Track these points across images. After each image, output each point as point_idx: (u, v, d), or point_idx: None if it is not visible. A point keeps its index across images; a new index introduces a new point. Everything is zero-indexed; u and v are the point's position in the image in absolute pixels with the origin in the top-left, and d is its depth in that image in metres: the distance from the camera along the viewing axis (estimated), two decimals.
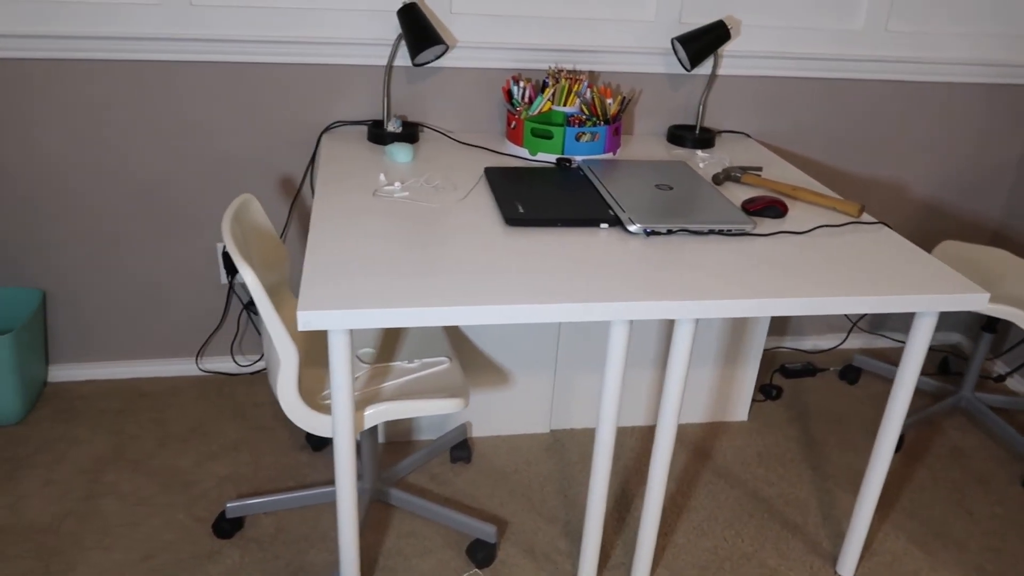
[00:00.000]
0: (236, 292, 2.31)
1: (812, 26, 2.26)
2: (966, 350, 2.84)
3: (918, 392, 2.59)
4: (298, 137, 2.15)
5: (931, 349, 2.85)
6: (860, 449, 2.29)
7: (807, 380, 2.61)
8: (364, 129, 2.16)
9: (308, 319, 1.26)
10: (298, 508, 1.92)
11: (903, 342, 2.85)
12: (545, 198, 1.73)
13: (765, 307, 1.40)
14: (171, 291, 2.28)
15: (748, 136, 2.37)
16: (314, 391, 1.61)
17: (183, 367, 2.37)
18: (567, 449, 2.21)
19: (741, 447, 2.27)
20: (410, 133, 2.07)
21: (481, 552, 1.80)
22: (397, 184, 1.78)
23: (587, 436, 2.26)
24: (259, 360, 2.41)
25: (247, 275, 1.37)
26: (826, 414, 2.44)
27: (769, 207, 1.76)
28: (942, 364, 2.74)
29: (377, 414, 1.53)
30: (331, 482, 2.00)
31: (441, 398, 1.57)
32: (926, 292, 1.46)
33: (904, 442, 2.34)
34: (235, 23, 2.00)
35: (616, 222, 1.65)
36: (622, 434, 2.29)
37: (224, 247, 2.24)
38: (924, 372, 2.69)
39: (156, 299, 2.28)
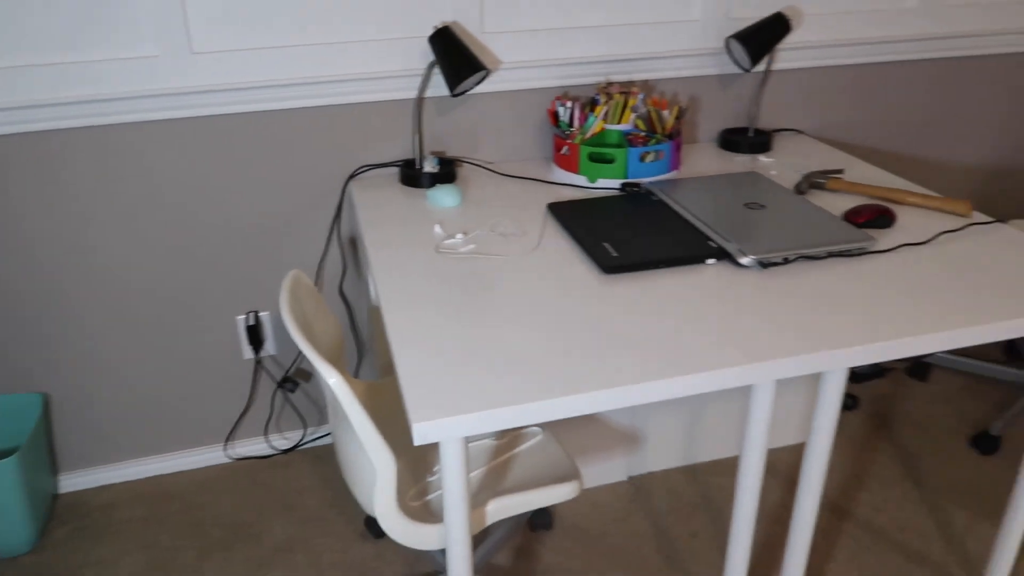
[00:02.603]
0: (265, 368, 2.05)
1: (861, 8, 2.08)
2: None
3: (994, 384, 2.44)
4: (321, 189, 1.90)
5: None
6: (954, 455, 2.13)
7: (879, 383, 2.45)
8: (395, 172, 1.92)
9: (425, 432, 1.03)
10: None
11: None
12: (632, 234, 1.51)
13: (918, 345, 1.21)
14: (189, 374, 2.01)
15: (802, 133, 2.19)
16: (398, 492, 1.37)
17: (209, 456, 2.10)
18: (652, 498, 2.00)
19: (835, 468, 2.09)
20: (448, 171, 1.83)
21: None
22: (459, 236, 1.55)
23: (669, 480, 2.06)
24: (303, 439, 2.16)
25: (332, 378, 1.13)
26: (908, 420, 2.27)
27: (878, 217, 1.57)
28: (1009, 348, 2.60)
29: (491, 513, 1.30)
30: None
31: (555, 484, 1.35)
32: None
33: (1001, 443, 2.19)
34: (242, 68, 1.74)
35: (723, 255, 1.44)
36: (707, 470, 2.09)
37: (248, 319, 1.98)
38: (992, 359, 2.55)
39: (173, 385, 2.01)
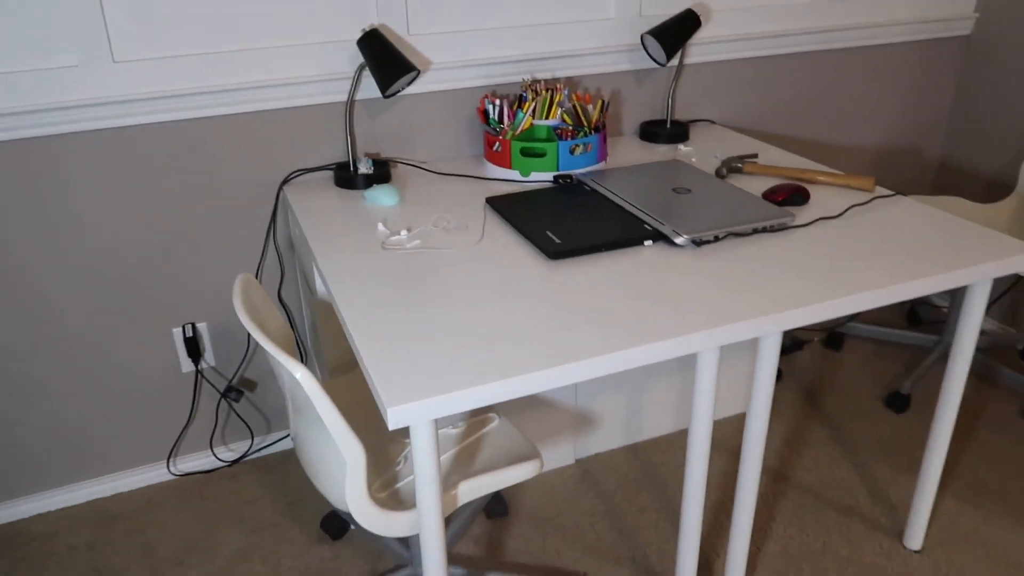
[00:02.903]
0: (206, 379, 2.02)
1: (761, 4, 2.22)
2: (937, 299, 2.93)
3: (901, 348, 2.64)
4: (253, 195, 1.89)
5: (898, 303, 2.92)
6: (873, 415, 2.30)
7: (798, 355, 2.60)
8: (329, 175, 1.93)
9: (399, 416, 1.06)
10: None
11: None
12: (572, 221, 1.58)
13: (847, 305, 1.32)
14: (124, 392, 1.96)
15: (714, 123, 2.31)
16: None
17: (152, 474, 2.05)
18: (600, 478, 2.07)
19: (769, 436, 2.20)
20: (383, 172, 1.86)
21: None
22: (404, 233, 1.58)
23: (614, 459, 2.14)
24: (250, 449, 2.13)
25: (298, 371, 1.15)
26: (828, 386, 2.43)
27: (793, 195, 1.69)
28: (911, 315, 2.81)
29: (463, 494, 1.34)
30: (370, 574, 1.78)
31: (519, 463, 1.40)
32: (985, 260, 1.43)
33: (911, 401, 2.37)
34: (166, 76, 1.72)
35: (659, 236, 1.53)
36: (649, 447, 2.18)
37: (184, 331, 1.94)
38: (895, 325, 2.75)
39: (107, 405, 1.95)
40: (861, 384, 2.45)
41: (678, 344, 1.21)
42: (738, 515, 1.56)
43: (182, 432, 2.05)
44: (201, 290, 1.94)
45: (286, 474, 2.09)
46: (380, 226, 1.62)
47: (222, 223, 1.89)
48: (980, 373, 2.48)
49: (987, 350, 2.61)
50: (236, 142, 1.83)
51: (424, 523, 1.20)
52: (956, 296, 2.41)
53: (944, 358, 2.56)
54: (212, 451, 2.10)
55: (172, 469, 2.07)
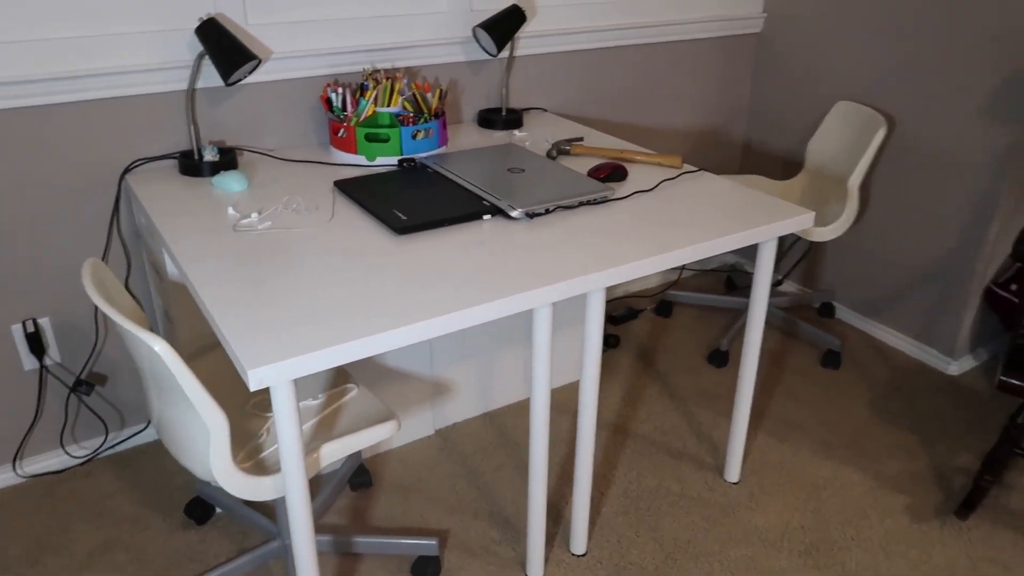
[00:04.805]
0: (53, 374, 1.97)
1: (578, 1, 2.43)
2: (748, 267, 3.28)
3: (720, 312, 2.95)
4: (93, 185, 1.87)
5: (715, 271, 3.25)
6: (698, 369, 2.58)
7: (633, 323, 2.86)
8: (173, 163, 1.94)
9: (260, 377, 1.14)
10: None
11: (700, 271, 3.22)
12: (417, 200, 1.70)
13: (660, 262, 1.52)
14: None
15: (546, 111, 2.50)
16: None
17: None
18: (458, 444, 2.21)
19: (605, 397, 2.43)
20: (229, 159, 1.90)
21: (428, 567, 1.76)
22: (254, 215, 1.64)
23: (471, 426, 2.28)
24: (103, 444, 2.08)
25: (154, 343, 1.20)
26: (660, 348, 2.69)
27: (614, 172, 1.89)
28: (728, 282, 3.14)
29: (323, 457, 1.42)
30: (240, 554, 1.82)
31: (376, 425, 1.50)
32: (770, 222, 1.68)
33: (729, 356, 2.67)
34: None
35: (496, 211, 1.67)
36: (503, 414, 2.34)
37: (25, 327, 1.89)
38: (715, 292, 3.07)
39: None
40: (687, 344, 2.73)
41: (516, 301, 1.36)
42: (580, 461, 1.74)
43: (28, 432, 1.99)
44: (42, 284, 1.89)
45: (144, 467, 2.08)
46: (230, 210, 1.67)
47: (60, 214, 1.86)
48: (785, 330, 2.83)
49: (789, 309, 2.97)
50: (71, 131, 1.81)
51: (289, 482, 1.28)
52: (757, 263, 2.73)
53: None
54: (63, 449, 2.05)
55: (19, 471, 2.01)
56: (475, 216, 1.65)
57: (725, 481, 2.10)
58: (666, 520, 1.96)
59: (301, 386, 1.65)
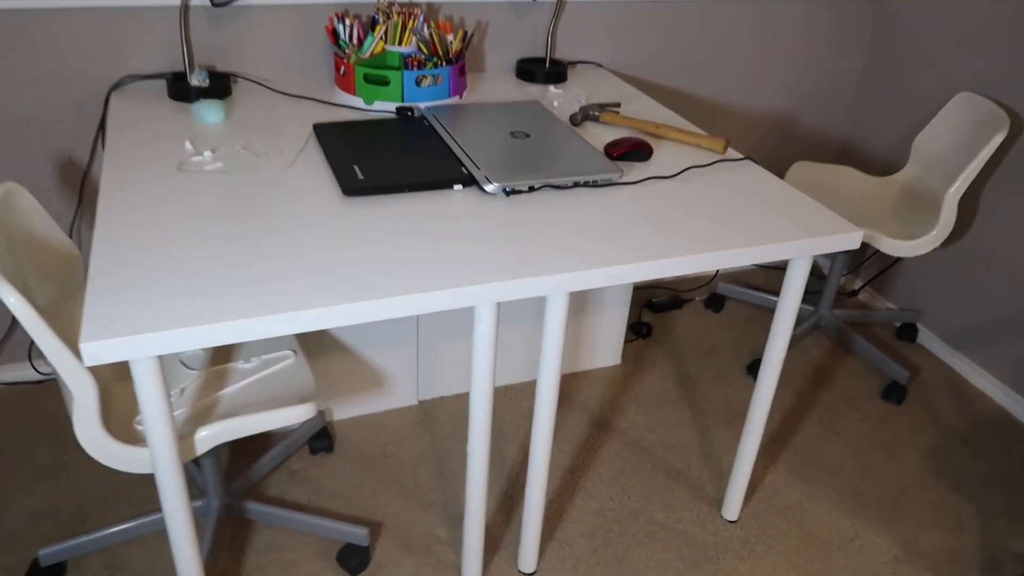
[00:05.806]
0: None
1: None
2: (823, 268, 2.90)
3: None
4: (80, 100, 1.78)
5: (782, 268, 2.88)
6: (733, 380, 2.28)
7: (675, 313, 2.57)
8: (163, 84, 1.81)
9: (96, 352, 1.00)
10: (135, 538, 1.65)
11: (766, 265, 2.87)
12: (388, 158, 1.50)
13: (636, 272, 1.27)
14: None
15: (601, 67, 2.21)
16: (128, 415, 1.34)
17: None
18: (439, 420, 2.04)
19: (617, 394, 2.19)
20: (221, 86, 1.75)
21: (354, 557, 1.62)
22: (207, 153, 1.49)
23: (459, 403, 2.11)
24: None
25: (7, 295, 1.07)
26: (697, 347, 2.41)
27: (634, 150, 1.61)
28: None
29: (209, 438, 1.29)
30: None
31: (286, 407, 1.35)
32: (801, 237, 1.37)
33: None
34: None
35: (471, 182, 1.45)
36: (497, 393, 2.15)
37: None
38: (776, 292, 2.71)
39: None
40: (729, 348, 2.42)
41: (448, 298, 1.15)
42: (533, 471, 1.53)
43: (2, 341, 1.98)
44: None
45: None
46: (187, 144, 1.52)
47: (47, 130, 1.78)
48: (847, 346, 2.46)
49: (860, 324, 2.59)
50: (64, 40, 1.70)
51: (158, 463, 1.15)
52: (835, 266, 2.37)
53: (817, 328, 2.54)
54: (31, 362, 2.03)
55: None
56: (444, 185, 1.43)
57: (721, 517, 1.84)
58: (637, 552, 1.73)
59: (241, 346, 1.52)
